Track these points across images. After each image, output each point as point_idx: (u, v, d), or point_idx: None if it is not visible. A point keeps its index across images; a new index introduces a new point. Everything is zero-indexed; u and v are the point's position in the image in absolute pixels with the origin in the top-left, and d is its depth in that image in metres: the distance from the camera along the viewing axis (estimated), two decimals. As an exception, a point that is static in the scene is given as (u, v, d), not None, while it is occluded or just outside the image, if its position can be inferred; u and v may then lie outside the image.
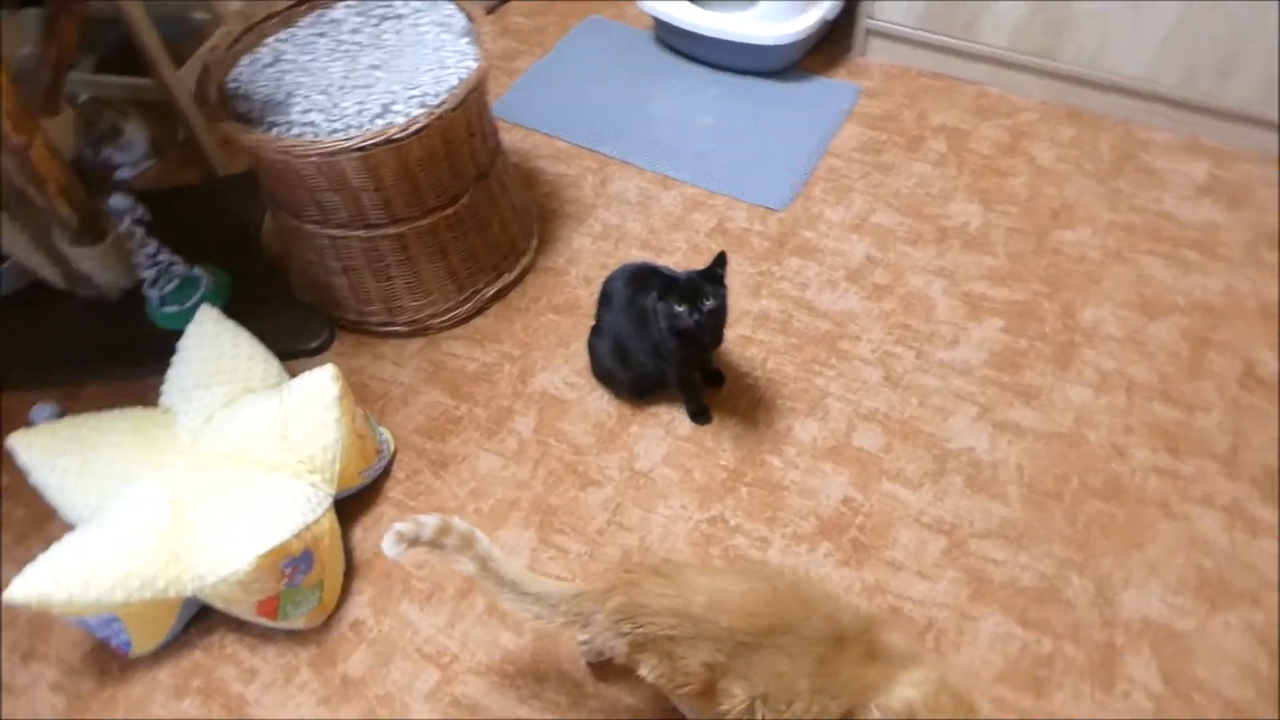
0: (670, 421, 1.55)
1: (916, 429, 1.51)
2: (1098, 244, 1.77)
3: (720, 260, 1.32)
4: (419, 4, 1.63)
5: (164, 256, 1.57)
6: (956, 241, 1.80)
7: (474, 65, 1.47)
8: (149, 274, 1.57)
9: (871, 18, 2.11)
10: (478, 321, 1.71)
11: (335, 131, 1.37)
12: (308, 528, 1.23)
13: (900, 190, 1.90)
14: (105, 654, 1.30)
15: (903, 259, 1.77)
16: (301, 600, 1.25)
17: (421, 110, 1.39)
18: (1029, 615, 1.28)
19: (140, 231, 1.51)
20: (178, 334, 1.44)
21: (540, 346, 1.67)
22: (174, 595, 1.18)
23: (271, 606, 1.23)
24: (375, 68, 1.48)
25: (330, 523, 1.31)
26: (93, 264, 1.51)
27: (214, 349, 1.38)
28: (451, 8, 1.61)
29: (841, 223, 1.85)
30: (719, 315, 1.36)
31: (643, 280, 1.45)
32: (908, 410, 1.54)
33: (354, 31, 1.59)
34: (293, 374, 1.40)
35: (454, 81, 1.44)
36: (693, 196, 1.92)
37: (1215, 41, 1.77)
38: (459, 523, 1.04)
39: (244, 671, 1.28)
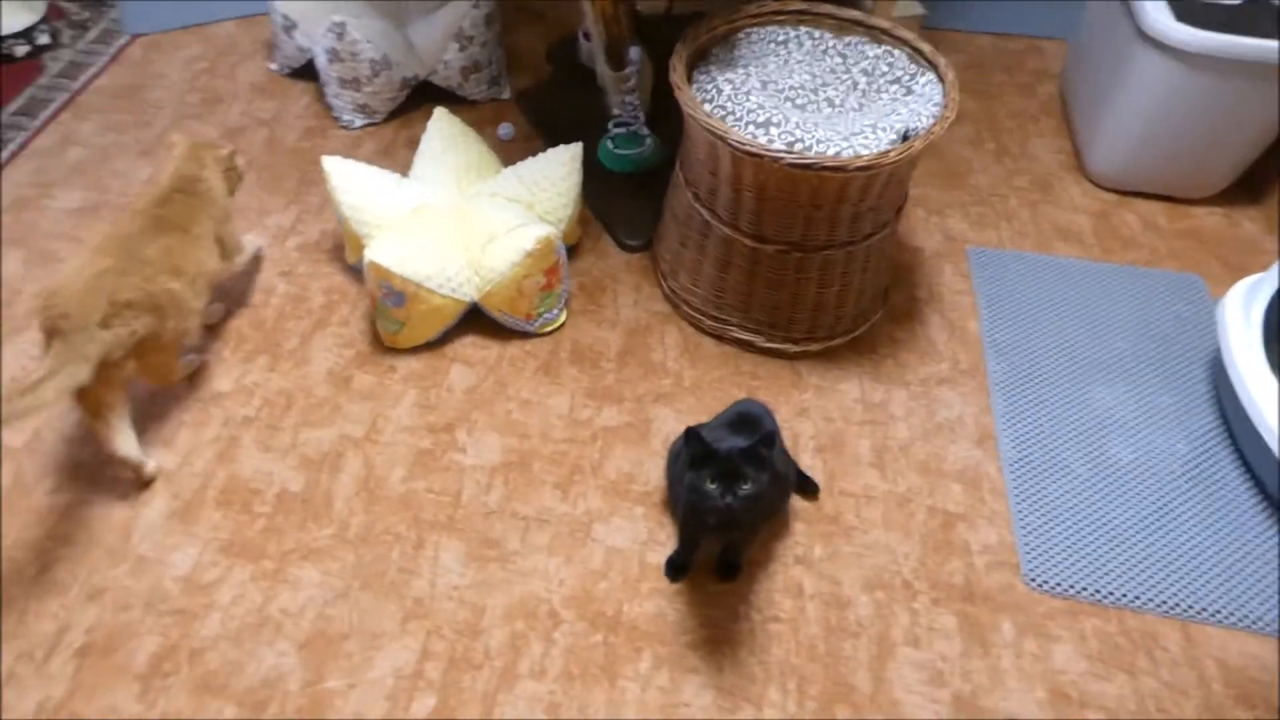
0: (647, 541, 1.38)
1: None
2: None
3: (766, 440, 1.09)
4: (926, 79, 1.51)
5: (635, 111, 1.90)
6: None
7: (877, 151, 1.34)
8: (617, 113, 1.92)
9: None
10: (708, 343, 1.69)
11: (734, 119, 1.44)
12: (414, 281, 1.53)
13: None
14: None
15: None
16: (382, 316, 1.60)
17: (801, 149, 1.37)
18: None
19: (632, 81, 1.84)
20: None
21: (704, 402, 1.59)
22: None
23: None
24: (830, 103, 1.46)
25: (451, 303, 1.60)
26: (606, 82, 1.91)
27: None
28: (938, 98, 1.46)
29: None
30: (757, 503, 1.11)
31: (741, 425, 1.27)
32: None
33: (841, 58, 1.57)
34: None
35: (852, 153, 1.36)
36: (992, 482, 1.47)
37: None
38: None
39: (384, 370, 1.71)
